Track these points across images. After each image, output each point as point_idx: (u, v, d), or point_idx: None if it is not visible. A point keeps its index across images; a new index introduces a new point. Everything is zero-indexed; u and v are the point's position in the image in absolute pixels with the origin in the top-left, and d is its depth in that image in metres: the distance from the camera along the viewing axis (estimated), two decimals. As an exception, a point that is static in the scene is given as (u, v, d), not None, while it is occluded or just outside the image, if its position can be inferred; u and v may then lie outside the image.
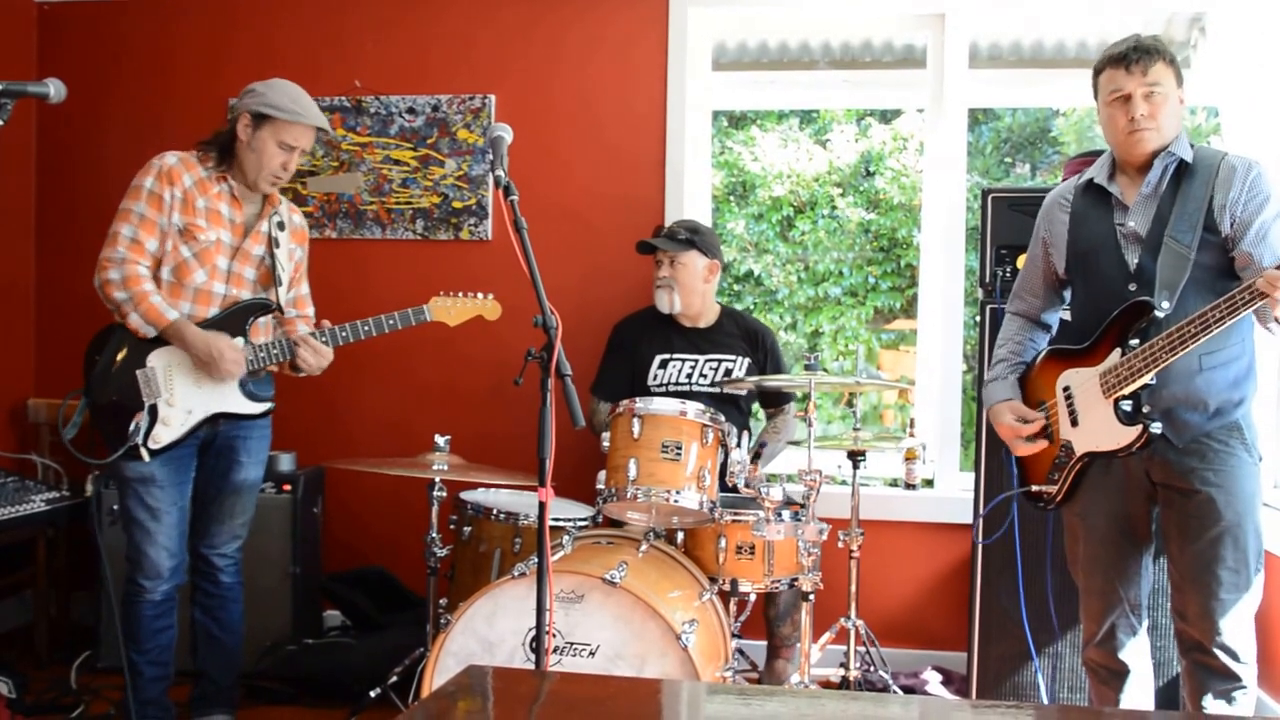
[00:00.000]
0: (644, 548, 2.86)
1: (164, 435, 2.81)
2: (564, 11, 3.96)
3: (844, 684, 3.21)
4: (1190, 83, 2.48)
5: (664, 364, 3.48)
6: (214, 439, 2.94)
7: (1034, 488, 2.57)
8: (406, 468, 3.07)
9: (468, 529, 3.20)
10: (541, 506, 2.14)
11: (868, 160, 6.23)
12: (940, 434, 3.88)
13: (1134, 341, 2.32)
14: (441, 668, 2.54)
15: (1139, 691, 2.52)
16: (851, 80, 4.40)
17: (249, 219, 2.95)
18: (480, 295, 3.09)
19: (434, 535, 3.14)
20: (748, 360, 3.50)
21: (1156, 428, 2.30)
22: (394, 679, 3.19)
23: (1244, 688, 2.35)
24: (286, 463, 3.69)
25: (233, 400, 2.87)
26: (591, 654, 2.50)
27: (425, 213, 4.01)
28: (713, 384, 3.45)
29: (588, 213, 3.93)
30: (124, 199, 2.82)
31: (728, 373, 3.47)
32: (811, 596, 2.91)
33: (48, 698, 3.35)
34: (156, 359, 2.81)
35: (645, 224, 3.74)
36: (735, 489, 2.90)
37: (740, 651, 3.28)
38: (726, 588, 2.94)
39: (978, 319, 3.31)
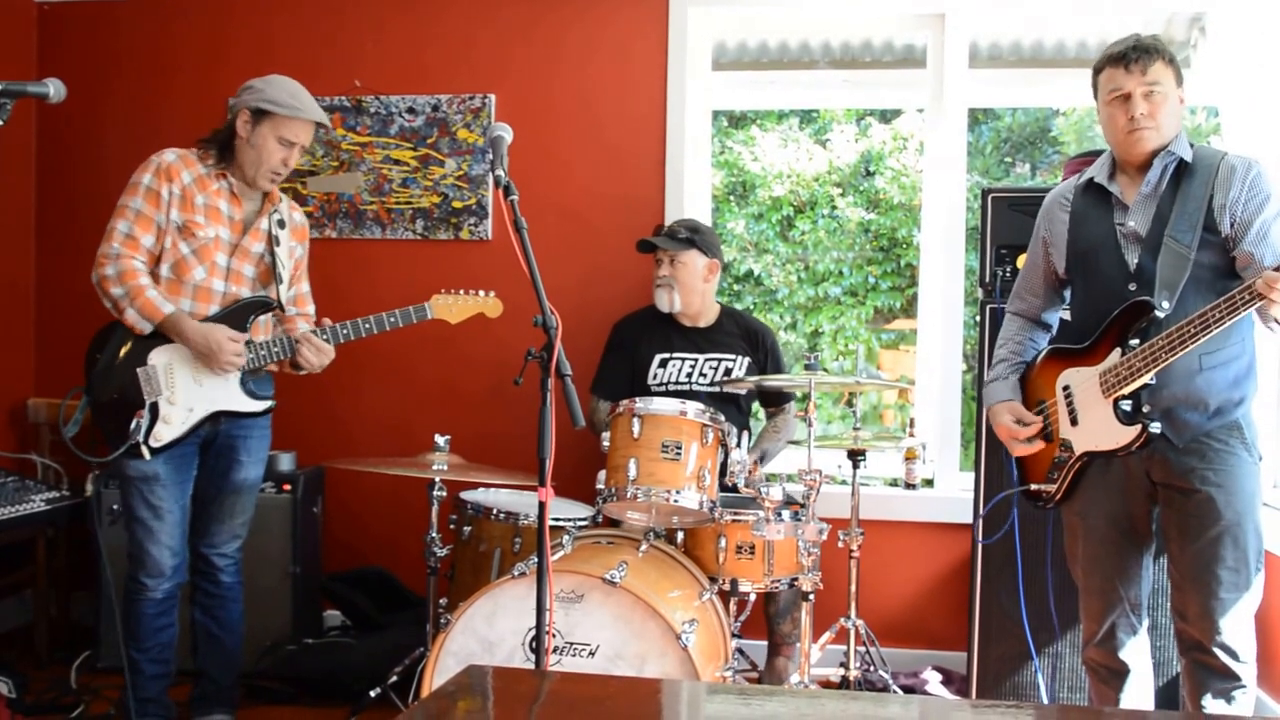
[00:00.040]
0: (644, 547, 2.86)
1: (165, 433, 2.81)
2: (564, 11, 3.96)
3: (844, 684, 3.21)
4: (1190, 83, 2.48)
5: (664, 363, 3.48)
6: (215, 438, 2.94)
7: (1033, 486, 2.57)
8: (406, 467, 3.07)
9: (468, 529, 3.20)
10: (541, 506, 2.14)
11: (868, 160, 6.23)
12: (940, 434, 3.88)
13: (1134, 341, 2.32)
14: (441, 667, 2.54)
15: (1139, 691, 2.52)
16: (851, 80, 4.40)
17: (248, 216, 2.95)
18: (482, 293, 3.09)
19: (434, 535, 3.14)
20: (748, 359, 3.50)
21: (1156, 427, 2.30)
22: (394, 679, 3.19)
23: (1243, 687, 2.35)
24: (286, 462, 3.69)
25: (234, 398, 2.87)
26: (591, 654, 2.50)
27: (425, 212, 4.01)
28: (712, 383, 3.45)
29: (588, 213, 3.93)
30: (122, 195, 2.83)
31: (728, 372, 3.48)
32: (811, 596, 2.91)
33: (48, 698, 3.35)
34: (158, 357, 2.81)
35: (645, 224, 3.74)
36: (735, 489, 2.90)
37: (740, 651, 3.28)
38: (726, 587, 2.94)
39: (978, 319, 3.31)
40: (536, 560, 2.20)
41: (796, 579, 2.96)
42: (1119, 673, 2.51)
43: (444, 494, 3.15)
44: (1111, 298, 2.39)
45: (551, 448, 2.16)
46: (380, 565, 3.90)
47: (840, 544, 3.23)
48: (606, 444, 2.94)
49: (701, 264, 3.45)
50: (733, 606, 2.96)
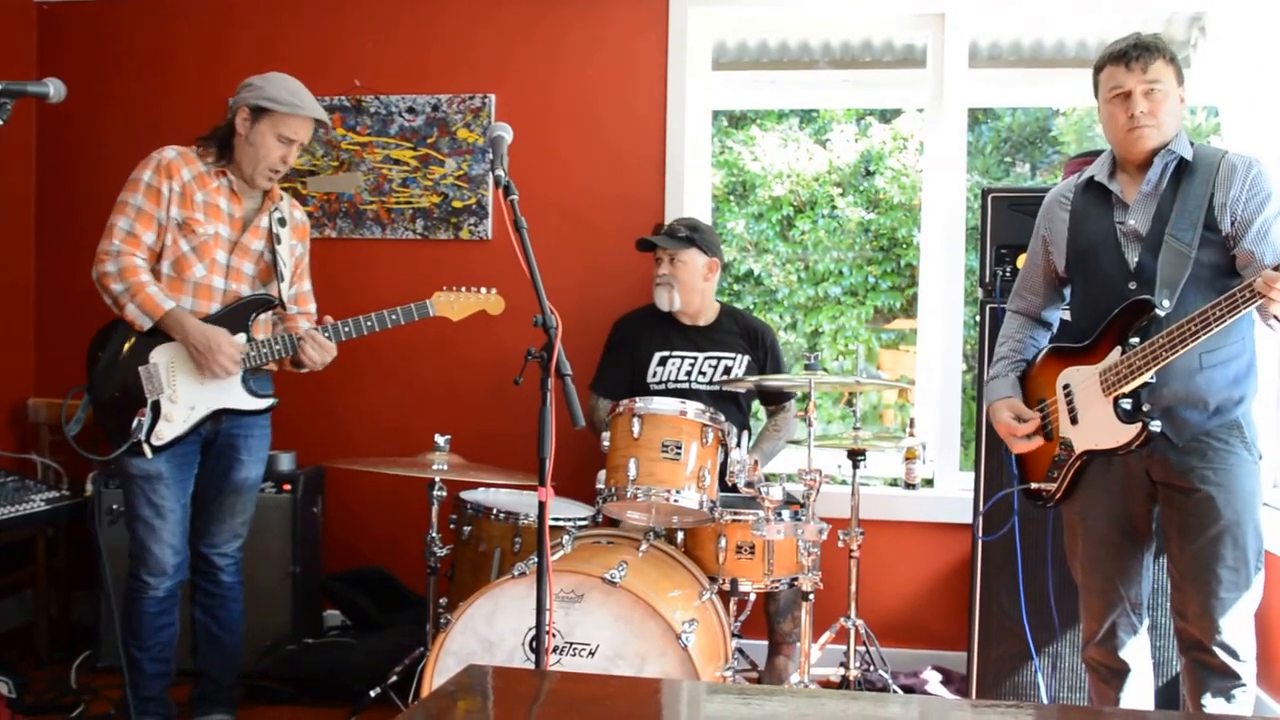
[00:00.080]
0: (644, 547, 2.86)
1: (167, 431, 2.81)
2: (564, 11, 3.96)
3: (844, 683, 3.21)
4: (1190, 82, 2.48)
5: (663, 361, 3.48)
6: (216, 436, 2.94)
7: (1033, 485, 2.57)
8: (406, 467, 3.07)
9: (468, 528, 3.20)
10: (541, 506, 2.14)
11: (868, 160, 6.23)
12: (940, 433, 3.88)
13: (1134, 340, 2.32)
14: (441, 667, 2.54)
15: (1139, 690, 2.52)
16: (851, 80, 4.40)
17: (248, 214, 2.95)
18: (483, 290, 3.09)
19: (434, 535, 3.14)
20: (747, 358, 3.50)
21: (1156, 426, 2.30)
22: (394, 678, 3.19)
23: (1243, 686, 2.35)
24: (286, 462, 3.69)
25: (236, 396, 2.87)
26: (591, 653, 2.50)
27: (425, 212, 4.01)
28: (712, 382, 3.45)
29: (588, 212, 3.94)
30: (122, 192, 2.83)
31: (727, 370, 3.48)
32: (811, 596, 2.91)
33: (47, 697, 3.35)
34: (159, 355, 2.81)
35: (645, 224, 3.74)
36: (735, 488, 2.90)
37: (740, 651, 3.28)
38: (726, 587, 2.94)
39: (978, 318, 3.31)
40: (536, 560, 2.20)
41: (796, 579, 2.96)
42: (1119, 672, 2.51)
43: (444, 494, 3.15)
44: (1112, 296, 2.39)
45: (551, 447, 2.16)
46: (380, 565, 3.90)
47: (840, 544, 3.23)
48: (606, 444, 2.94)
49: (701, 262, 3.45)
50: (733, 606, 2.96)
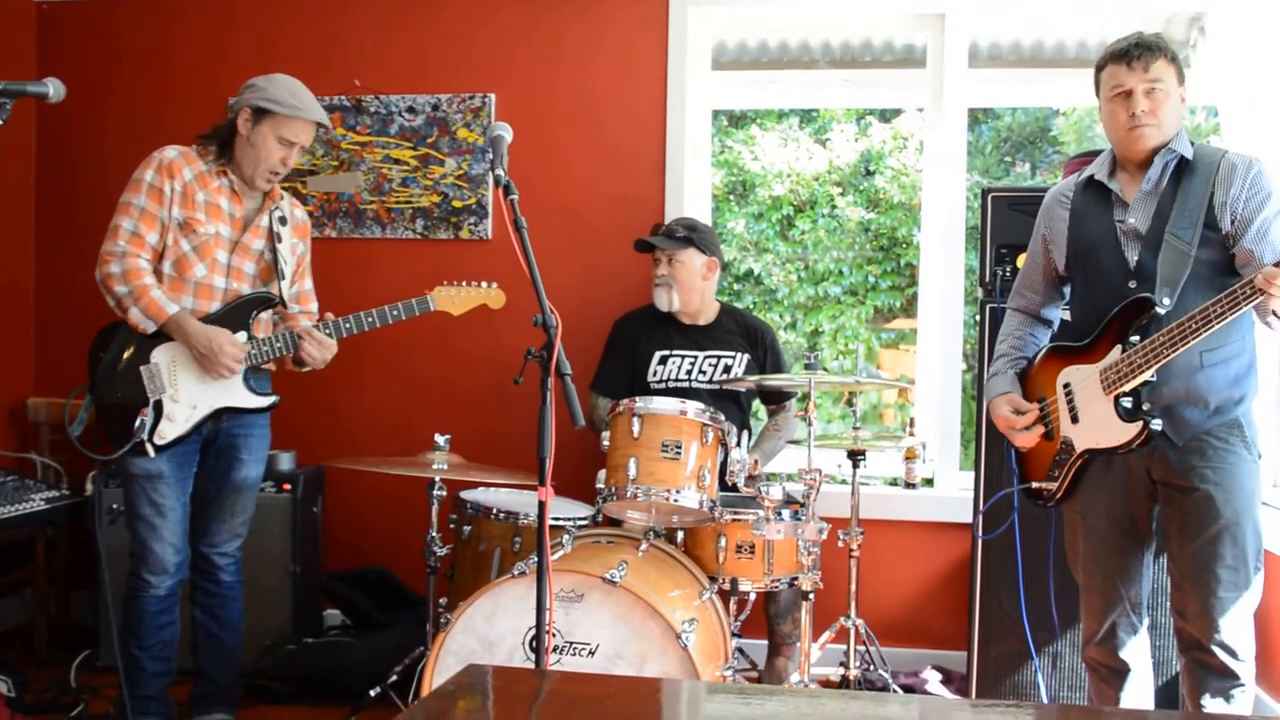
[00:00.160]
0: (644, 547, 2.86)
1: (169, 431, 2.81)
2: (564, 11, 3.96)
3: (844, 683, 3.21)
4: (1190, 82, 2.48)
5: (664, 360, 3.49)
6: (216, 435, 2.94)
7: (1034, 485, 2.57)
8: (406, 467, 3.07)
9: (467, 528, 3.20)
10: (541, 506, 2.14)
11: (868, 159, 6.23)
12: (940, 433, 3.88)
13: (1134, 338, 2.32)
14: (441, 667, 2.54)
15: (1139, 690, 2.52)
16: (851, 80, 4.40)
17: (249, 213, 2.95)
18: (484, 284, 3.09)
19: (434, 534, 3.14)
20: (747, 357, 3.50)
21: (1157, 424, 2.30)
22: (394, 678, 3.19)
23: (1242, 686, 2.35)
24: (286, 462, 3.69)
25: (237, 395, 2.88)
26: (591, 653, 2.50)
27: (425, 212, 4.01)
28: (712, 381, 3.45)
29: (588, 212, 3.94)
30: (124, 192, 2.83)
31: (727, 369, 3.48)
32: (811, 596, 2.91)
33: (47, 697, 3.35)
34: (160, 354, 2.81)
35: (645, 223, 3.74)
36: (735, 488, 2.90)
37: (740, 650, 3.28)
38: (726, 587, 2.94)
39: (977, 318, 3.31)
40: (536, 559, 2.20)
41: (796, 578, 2.96)
42: (1119, 672, 2.51)
43: (444, 493, 3.15)
44: (1112, 295, 2.39)
45: (551, 447, 2.16)
46: (380, 564, 3.90)
47: (840, 543, 3.23)
48: (606, 443, 2.94)
49: (700, 262, 3.45)
50: (733, 606, 2.96)
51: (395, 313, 2.94)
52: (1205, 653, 2.34)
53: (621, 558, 2.66)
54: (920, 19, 3.92)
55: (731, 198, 6.29)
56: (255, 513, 3.11)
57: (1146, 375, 2.29)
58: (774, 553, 2.96)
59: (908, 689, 3.57)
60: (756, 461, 2.85)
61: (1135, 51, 2.38)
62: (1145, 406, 2.32)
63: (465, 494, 3.34)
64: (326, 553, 3.91)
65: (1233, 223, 2.34)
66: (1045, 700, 3.06)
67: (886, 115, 6.18)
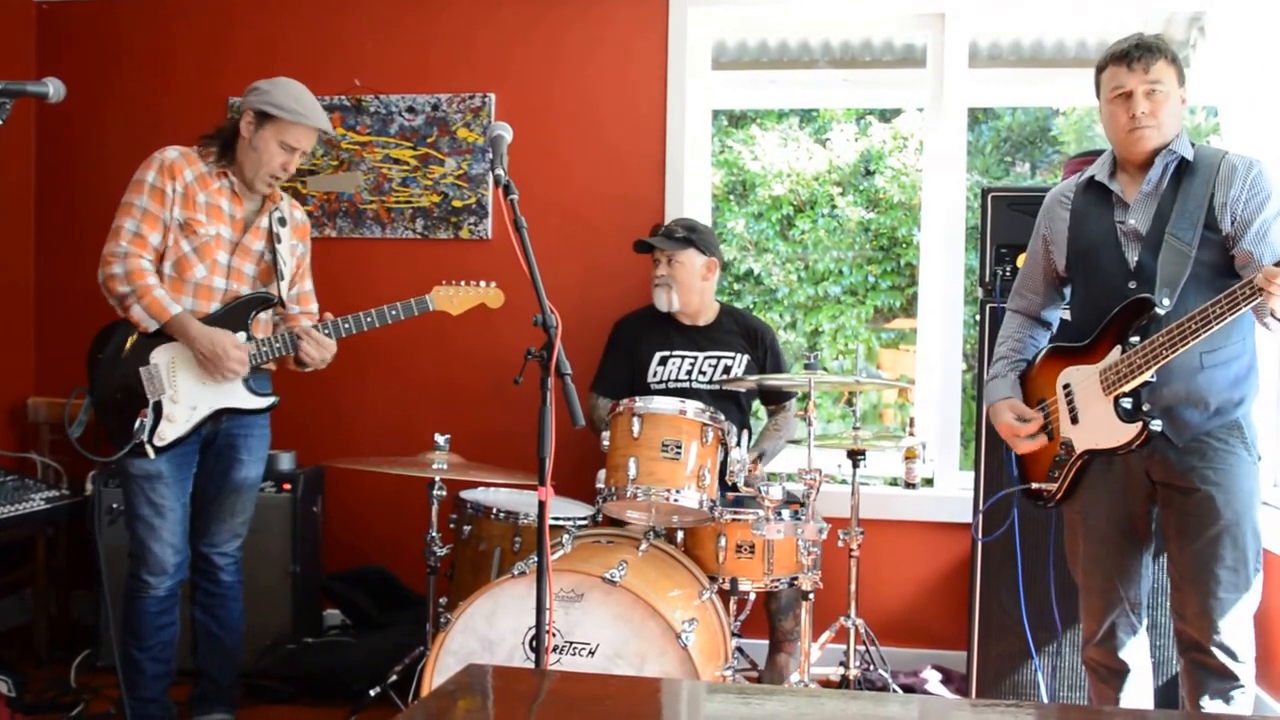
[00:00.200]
0: (644, 547, 2.86)
1: (169, 432, 2.81)
2: (564, 11, 3.96)
3: (844, 683, 3.21)
4: (1190, 82, 2.48)
5: (664, 361, 3.49)
6: (215, 436, 2.94)
7: (1034, 485, 2.57)
8: (406, 466, 3.07)
9: (467, 528, 3.20)
10: (541, 505, 2.14)
11: (868, 159, 6.23)
12: (940, 433, 3.88)
13: (1134, 339, 2.32)
14: (441, 666, 2.54)
15: (1138, 690, 2.52)
16: (851, 79, 4.40)
17: (249, 214, 2.95)
18: (483, 283, 3.10)
19: (434, 534, 3.14)
20: (747, 357, 3.50)
21: (1156, 425, 2.30)
22: (394, 678, 3.19)
23: (1242, 687, 2.35)
24: (286, 462, 3.69)
25: (237, 396, 2.87)
26: (591, 653, 2.51)
27: (425, 212, 4.01)
28: (712, 381, 3.45)
29: (587, 212, 3.94)
30: (126, 193, 2.82)
31: (727, 369, 3.48)
32: (811, 595, 2.91)
33: (47, 696, 3.35)
34: (160, 355, 2.81)
35: (645, 223, 3.74)
36: (735, 488, 2.90)
37: (740, 650, 3.28)
38: (726, 587, 2.94)
39: (977, 318, 3.31)
40: (536, 559, 2.20)
41: (796, 578, 2.96)
42: (1118, 672, 2.52)
43: (444, 493, 3.15)
44: (1112, 295, 2.39)
45: (551, 447, 2.16)
46: (380, 564, 3.90)
47: (840, 543, 3.23)
48: (606, 443, 2.94)
49: (699, 263, 3.45)
50: (732, 606, 2.96)
51: (394, 313, 2.94)
52: (1205, 654, 2.34)
53: (621, 557, 2.66)
54: (920, 19, 3.92)
55: (731, 198, 6.29)
56: (255, 513, 3.11)
57: (1146, 376, 2.29)
58: (774, 552, 2.96)
59: (908, 689, 3.57)
60: (756, 462, 2.85)
61: (1135, 53, 2.38)
62: (1145, 407, 2.32)
63: (465, 494, 3.34)
64: (326, 553, 3.91)
65: (1233, 224, 2.34)
66: (1045, 700, 3.06)
67: (886, 115, 6.18)
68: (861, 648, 3.41)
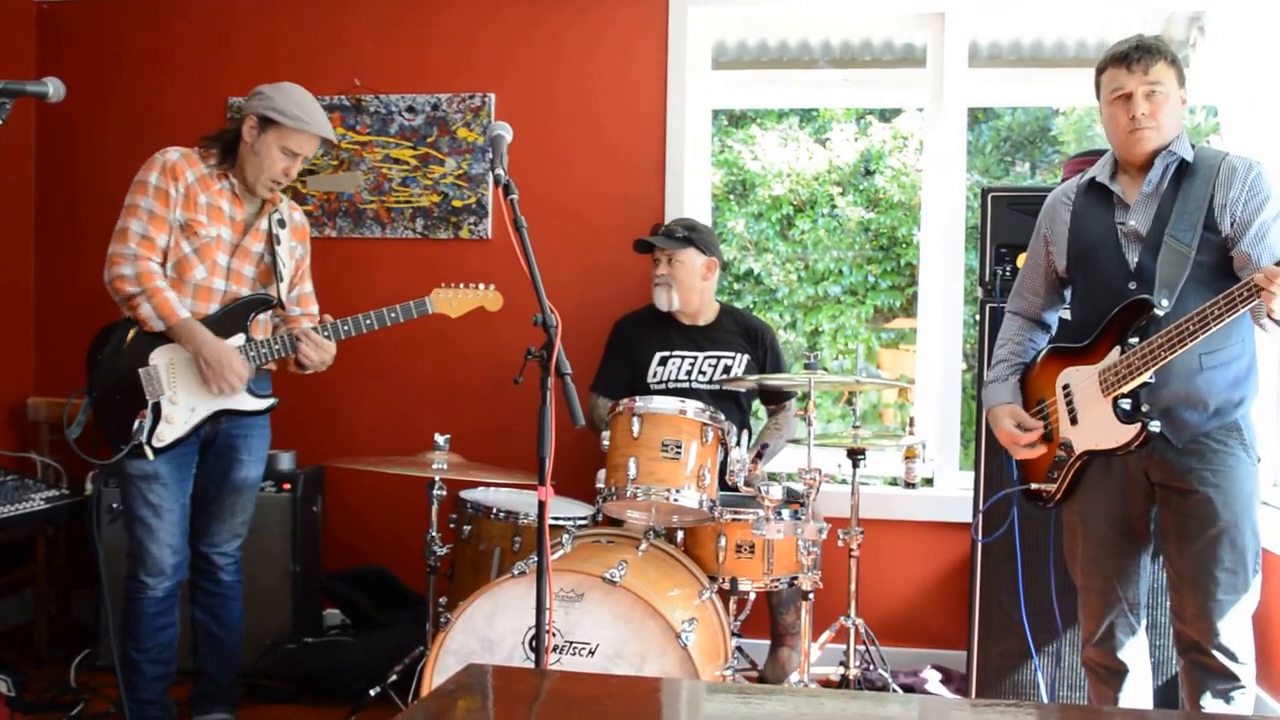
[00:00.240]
0: (644, 546, 2.86)
1: (168, 433, 2.81)
2: (564, 11, 3.96)
3: (843, 683, 3.21)
4: (1190, 82, 2.48)
5: (664, 361, 3.49)
6: (215, 437, 2.94)
7: (1033, 486, 2.57)
8: (406, 466, 3.07)
9: (467, 528, 3.20)
10: (541, 505, 2.14)
11: (867, 159, 6.23)
12: (940, 433, 3.88)
13: (1133, 339, 2.32)
14: (441, 666, 2.54)
15: (1138, 691, 2.52)
16: (851, 79, 4.40)
17: (249, 216, 2.95)
18: (482, 286, 3.10)
19: (434, 534, 3.14)
20: (747, 357, 3.50)
21: (1155, 426, 2.30)
22: (394, 678, 3.19)
23: (1242, 688, 2.35)
24: (286, 461, 3.69)
25: (236, 397, 2.87)
26: (591, 653, 2.51)
27: (425, 211, 4.01)
28: (712, 381, 3.46)
29: (587, 212, 3.94)
30: (130, 194, 2.82)
31: (727, 369, 3.48)
32: (811, 595, 2.91)
33: (47, 696, 3.35)
34: (159, 357, 2.81)
35: (645, 223, 3.74)
36: (735, 487, 2.90)
37: (740, 650, 3.28)
38: (726, 586, 2.94)
39: (977, 318, 3.31)
40: (536, 559, 2.20)
41: (796, 578, 2.96)
42: (1117, 672, 2.52)
43: (444, 493, 3.15)
44: (1111, 296, 2.39)
45: (551, 447, 2.16)
46: (380, 564, 3.91)
47: (840, 543, 3.23)
48: (606, 443, 2.94)
49: (699, 262, 3.45)
50: (732, 605, 2.96)
51: (393, 315, 2.94)
52: (1204, 655, 2.34)
53: (621, 557, 2.66)
54: (920, 18, 3.92)
55: (731, 197, 6.29)
56: (255, 512, 3.11)
57: (1145, 377, 2.29)
58: (774, 552, 2.96)
59: (908, 689, 3.57)
60: (756, 462, 2.85)
61: (1135, 54, 2.38)
62: (1144, 408, 2.32)
63: (465, 494, 3.34)
64: (326, 552, 3.91)
65: (1232, 225, 2.34)
66: (1045, 700, 3.06)
67: (886, 115, 6.18)
68: (861, 647, 3.41)
